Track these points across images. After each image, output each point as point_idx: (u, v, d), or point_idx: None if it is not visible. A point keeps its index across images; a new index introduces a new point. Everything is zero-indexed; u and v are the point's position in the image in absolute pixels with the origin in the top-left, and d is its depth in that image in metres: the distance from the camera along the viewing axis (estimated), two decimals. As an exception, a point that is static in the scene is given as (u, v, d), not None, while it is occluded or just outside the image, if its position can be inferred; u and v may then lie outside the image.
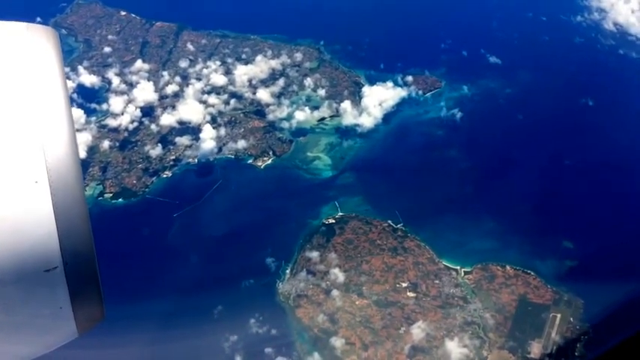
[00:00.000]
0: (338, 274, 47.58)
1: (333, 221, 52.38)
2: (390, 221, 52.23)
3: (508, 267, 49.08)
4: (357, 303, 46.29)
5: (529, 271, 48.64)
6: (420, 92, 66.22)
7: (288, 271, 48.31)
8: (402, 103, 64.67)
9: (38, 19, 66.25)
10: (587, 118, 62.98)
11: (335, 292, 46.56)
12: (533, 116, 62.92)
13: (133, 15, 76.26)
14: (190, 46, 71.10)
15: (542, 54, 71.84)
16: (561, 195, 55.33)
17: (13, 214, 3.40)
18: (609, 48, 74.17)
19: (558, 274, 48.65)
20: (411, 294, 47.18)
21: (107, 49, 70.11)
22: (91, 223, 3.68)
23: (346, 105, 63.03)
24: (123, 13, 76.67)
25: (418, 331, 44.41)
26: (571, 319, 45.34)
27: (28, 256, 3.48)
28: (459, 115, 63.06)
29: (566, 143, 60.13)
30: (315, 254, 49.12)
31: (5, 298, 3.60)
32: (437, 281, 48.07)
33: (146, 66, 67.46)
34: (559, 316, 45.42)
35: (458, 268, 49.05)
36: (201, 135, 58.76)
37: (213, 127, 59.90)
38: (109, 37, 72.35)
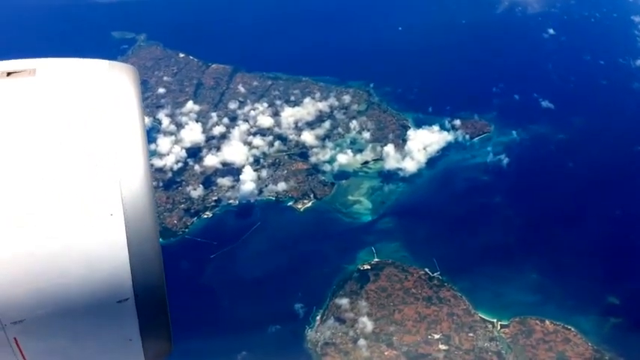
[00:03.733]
0: (367, 323, 46.65)
1: (369, 267, 51.65)
2: (427, 269, 51.14)
3: (548, 322, 47.19)
4: (385, 353, 45.23)
5: (570, 327, 46.61)
6: (467, 136, 65.16)
7: (318, 317, 47.76)
8: (447, 148, 63.73)
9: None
10: (642, 167, 60.34)
11: (363, 342, 45.60)
12: (585, 164, 60.75)
13: (191, 57, 78.27)
14: (241, 88, 72.40)
15: (598, 99, 69.69)
16: (610, 248, 52.80)
17: (89, 245, 3.51)
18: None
19: (601, 332, 46.53)
20: (443, 346, 45.78)
21: (161, 90, 72.11)
22: (162, 257, 3.76)
23: (389, 149, 62.52)
24: (182, 55, 78.81)
25: (446, 386, 42.97)
26: (611, 381, 42.99)
27: (101, 287, 3.57)
28: (505, 160, 61.67)
29: (619, 193, 57.63)
30: (345, 301, 48.37)
31: (77, 326, 3.70)
32: (471, 334, 46.54)
33: (197, 107, 68.99)
34: (598, 377, 43.13)
35: (494, 321, 47.46)
36: (242, 177, 59.31)
37: (255, 169, 60.49)
38: (165, 78, 74.42)
